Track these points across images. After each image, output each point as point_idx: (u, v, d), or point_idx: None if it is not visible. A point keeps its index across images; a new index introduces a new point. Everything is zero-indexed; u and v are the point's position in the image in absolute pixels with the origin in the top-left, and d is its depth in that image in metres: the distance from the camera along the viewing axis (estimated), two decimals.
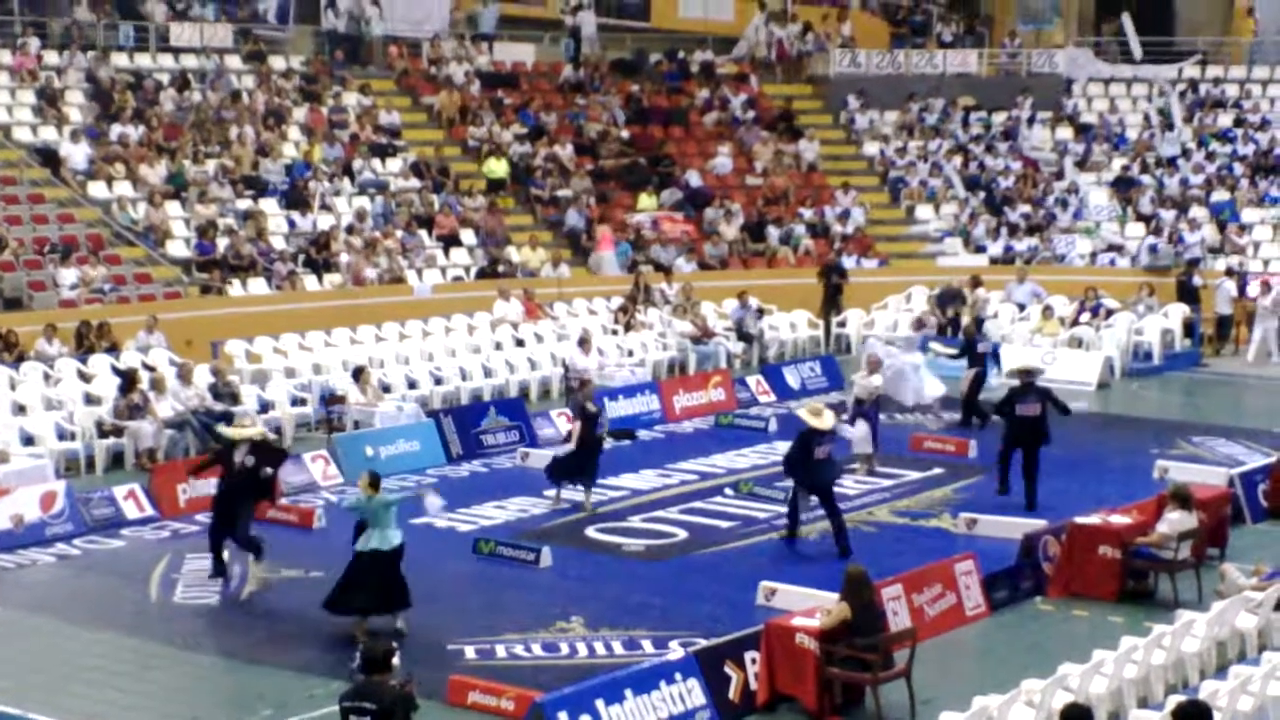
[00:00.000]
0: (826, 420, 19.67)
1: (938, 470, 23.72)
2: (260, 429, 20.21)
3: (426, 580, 17.82)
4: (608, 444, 23.08)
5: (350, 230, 33.33)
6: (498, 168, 36.90)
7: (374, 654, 11.32)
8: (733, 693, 14.66)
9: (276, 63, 38.18)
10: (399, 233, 33.79)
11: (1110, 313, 33.04)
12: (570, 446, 21.84)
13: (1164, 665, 14.88)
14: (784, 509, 20.58)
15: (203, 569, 18.98)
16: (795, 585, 17.29)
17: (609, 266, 35.44)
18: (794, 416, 25.22)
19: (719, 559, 19.54)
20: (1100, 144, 40.88)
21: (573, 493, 21.83)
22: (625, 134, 39.83)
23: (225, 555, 18.68)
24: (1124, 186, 39.01)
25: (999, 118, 42.28)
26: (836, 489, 20.05)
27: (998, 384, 27.05)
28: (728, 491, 22.36)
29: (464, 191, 36.21)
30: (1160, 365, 32.49)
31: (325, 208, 34.09)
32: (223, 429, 20.61)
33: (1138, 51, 42.24)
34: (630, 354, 30.81)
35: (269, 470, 18.91)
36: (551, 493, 21.91)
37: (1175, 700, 13.26)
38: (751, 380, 29.29)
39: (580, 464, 21.60)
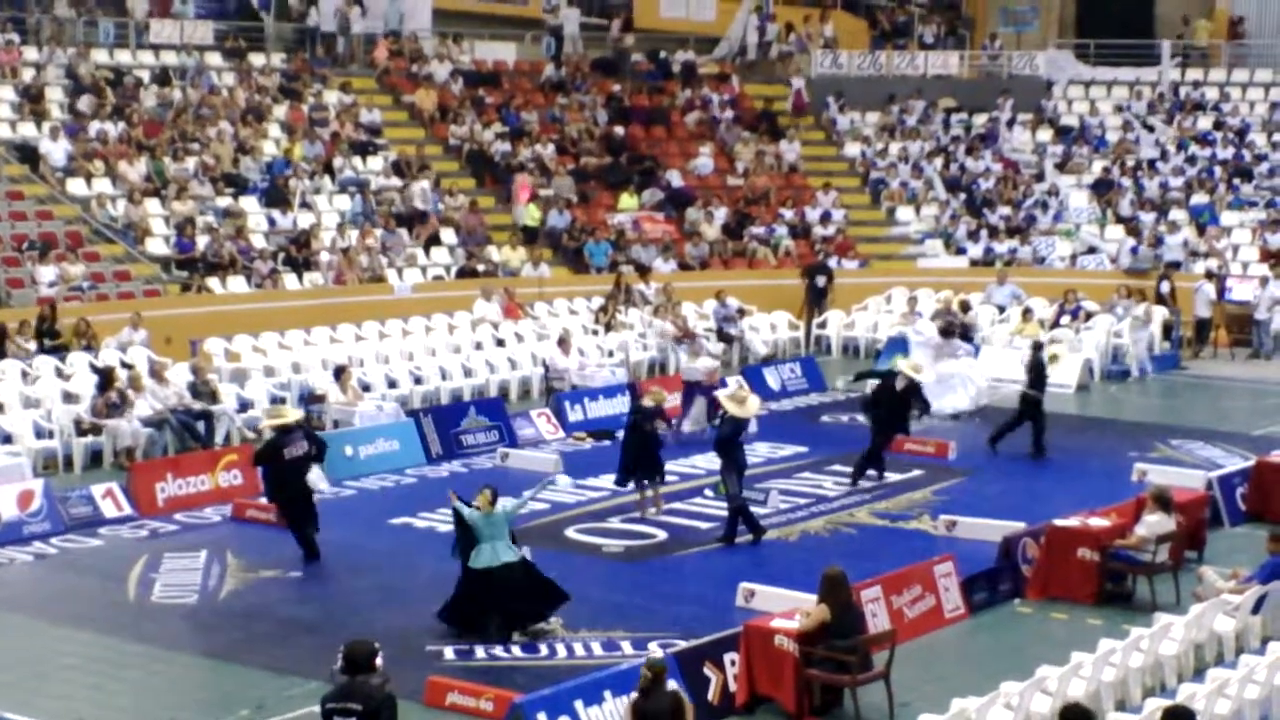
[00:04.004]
0: (751, 407, 20.83)
1: (917, 472, 23.75)
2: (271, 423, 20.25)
3: (406, 581, 17.82)
4: (586, 444, 22.98)
5: (340, 228, 33.28)
6: (529, 215, 36.22)
7: (357, 655, 11.25)
8: (712, 694, 14.65)
9: (257, 60, 38.10)
10: (379, 231, 33.73)
11: (1090, 315, 33.11)
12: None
13: (1142, 668, 14.91)
14: (760, 510, 20.69)
15: (181, 567, 18.97)
16: (774, 587, 17.29)
17: (527, 218, 35.71)
18: (781, 416, 25.39)
19: (698, 560, 19.54)
20: (1080, 146, 40.97)
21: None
22: (609, 133, 39.80)
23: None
24: (1104, 189, 39.11)
25: (979, 119, 42.37)
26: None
27: None
28: (707, 493, 22.33)
29: (445, 190, 36.16)
30: (1139, 368, 32.53)
31: (305, 206, 34.03)
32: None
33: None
34: (610, 354, 30.79)
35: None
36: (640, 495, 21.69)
37: (1153, 703, 13.32)
38: (732, 381, 29.26)
39: (638, 461, 21.44)
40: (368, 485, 23.12)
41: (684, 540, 20.27)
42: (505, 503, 16.74)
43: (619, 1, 45.97)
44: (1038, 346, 26.32)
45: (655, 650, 15.20)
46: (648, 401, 21.63)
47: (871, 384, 24.38)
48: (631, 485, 21.47)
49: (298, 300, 31.15)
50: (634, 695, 12.77)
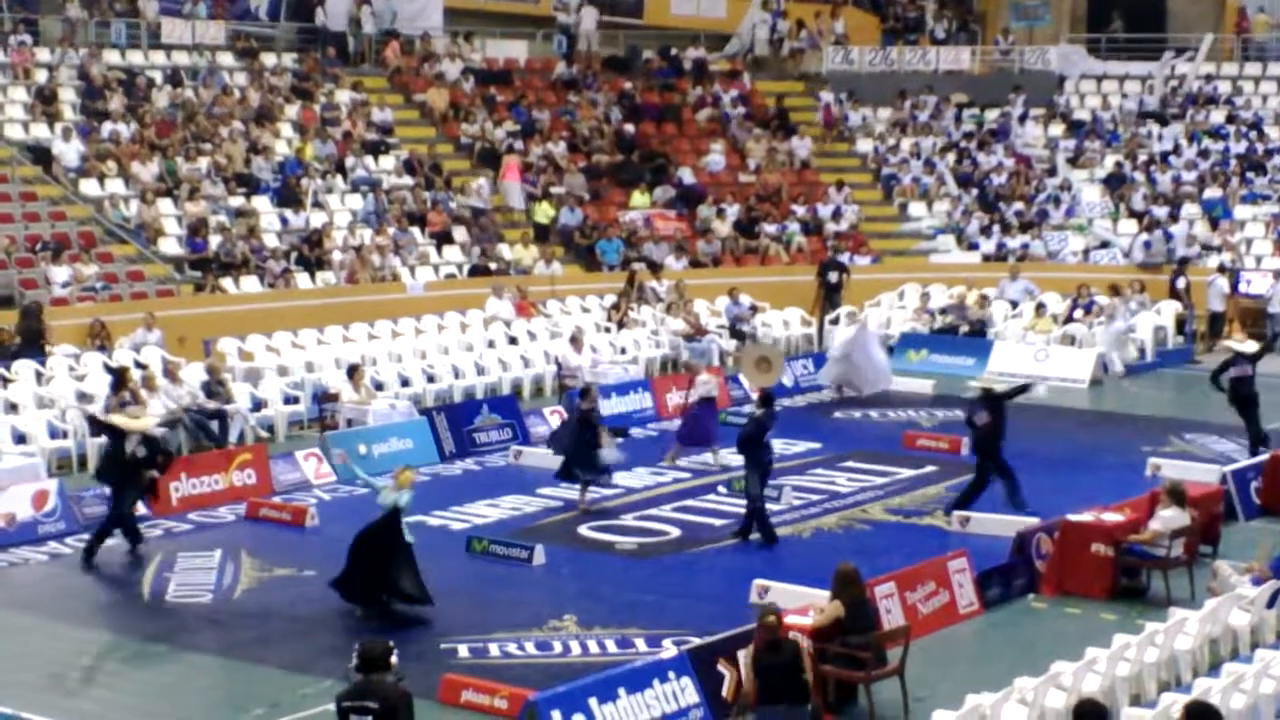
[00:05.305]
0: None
1: (930, 468, 23.73)
2: (149, 423, 20.16)
3: None
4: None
5: (350, 227, 33.34)
6: (542, 213, 36.29)
7: (373, 653, 11.27)
8: (726, 691, 14.62)
9: (268, 60, 38.15)
10: (391, 230, 33.77)
11: (1103, 310, 33.04)
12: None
13: (1157, 663, 14.89)
14: (773, 507, 20.66)
15: (195, 567, 19.01)
16: (788, 583, 17.29)
17: (514, 196, 35.69)
18: (794, 413, 25.31)
19: (712, 557, 19.54)
20: (1092, 141, 40.89)
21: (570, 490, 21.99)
22: (621, 130, 39.79)
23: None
24: (1116, 183, 39.04)
25: (991, 115, 42.29)
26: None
27: None
28: (721, 489, 22.34)
29: (457, 189, 36.20)
30: (1153, 362, 32.52)
31: (318, 205, 34.06)
32: (114, 418, 20.37)
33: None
34: (623, 351, 30.79)
35: (154, 473, 19.57)
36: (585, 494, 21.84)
37: (1168, 698, 13.31)
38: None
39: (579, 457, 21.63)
40: (380, 483, 23.07)
41: (697, 537, 20.27)
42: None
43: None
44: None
45: (669, 647, 15.20)
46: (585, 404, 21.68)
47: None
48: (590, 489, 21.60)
49: (311, 299, 31.19)
50: (752, 650, 13.00)
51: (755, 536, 19.98)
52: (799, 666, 12.89)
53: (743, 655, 13.31)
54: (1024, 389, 22.33)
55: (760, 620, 13.17)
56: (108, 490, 19.89)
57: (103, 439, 21.28)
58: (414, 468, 18.14)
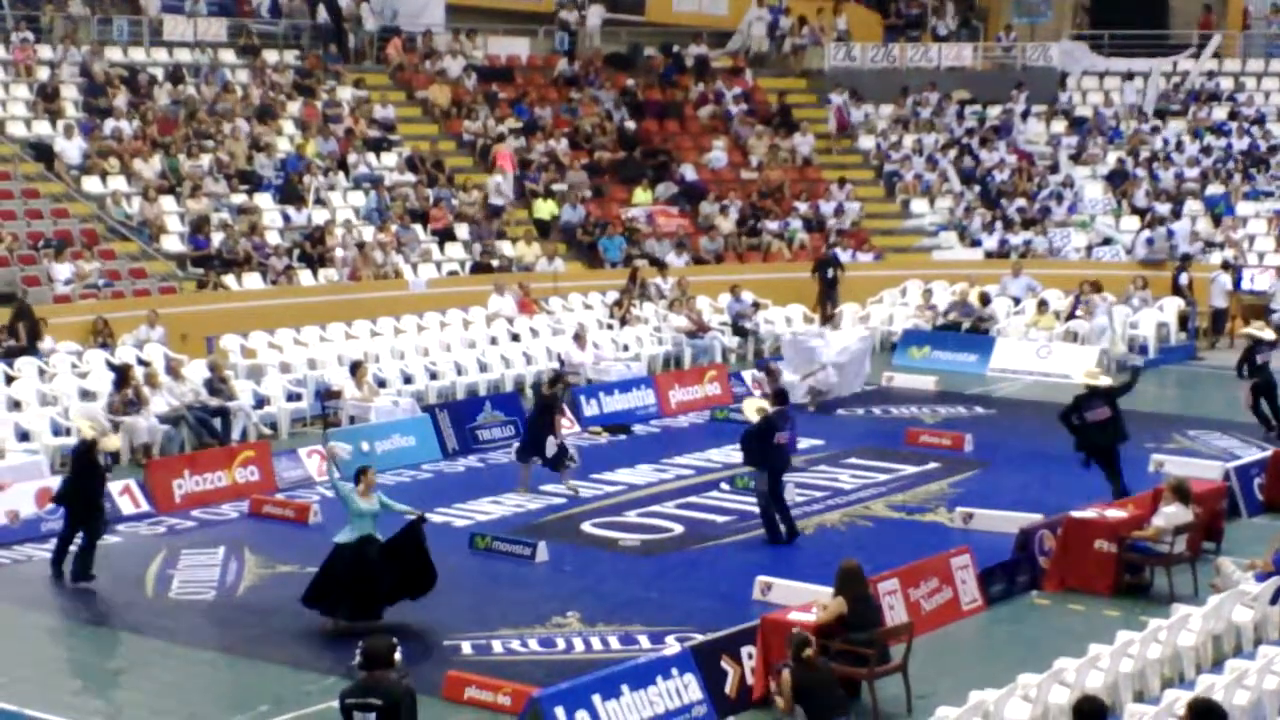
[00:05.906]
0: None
1: (933, 464, 23.73)
2: (116, 441, 19.93)
3: None
4: (603, 439, 23.09)
5: (347, 225, 33.34)
6: (544, 210, 36.36)
7: (377, 650, 11.29)
8: (729, 687, 14.67)
9: (270, 57, 38.14)
10: (394, 227, 33.76)
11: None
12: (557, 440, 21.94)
13: (1160, 659, 14.90)
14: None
15: (199, 563, 19.02)
16: (791, 580, 17.30)
17: (506, 188, 35.71)
18: (797, 410, 25.34)
19: (715, 554, 19.53)
20: (1094, 137, 40.88)
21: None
22: (623, 127, 39.79)
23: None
24: (1118, 180, 39.03)
25: (994, 111, 42.27)
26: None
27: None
28: (723, 486, 22.36)
29: (459, 186, 36.20)
30: (1155, 358, 32.49)
31: (320, 202, 34.06)
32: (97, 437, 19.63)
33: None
34: (625, 348, 30.79)
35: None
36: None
37: (1171, 694, 13.31)
38: (747, 375, 29.23)
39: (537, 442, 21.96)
40: (383, 481, 22.93)
41: (701, 534, 20.27)
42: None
43: None
44: None
45: (673, 644, 15.21)
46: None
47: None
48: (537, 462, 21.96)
49: (313, 296, 31.18)
50: (789, 679, 13.12)
51: (754, 534, 19.96)
52: (833, 680, 13.20)
53: (783, 680, 13.37)
54: (1135, 377, 22.41)
55: (797, 654, 13.26)
56: (64, 509, 19.00)
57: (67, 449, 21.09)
58: (374, 468, 17.74)
